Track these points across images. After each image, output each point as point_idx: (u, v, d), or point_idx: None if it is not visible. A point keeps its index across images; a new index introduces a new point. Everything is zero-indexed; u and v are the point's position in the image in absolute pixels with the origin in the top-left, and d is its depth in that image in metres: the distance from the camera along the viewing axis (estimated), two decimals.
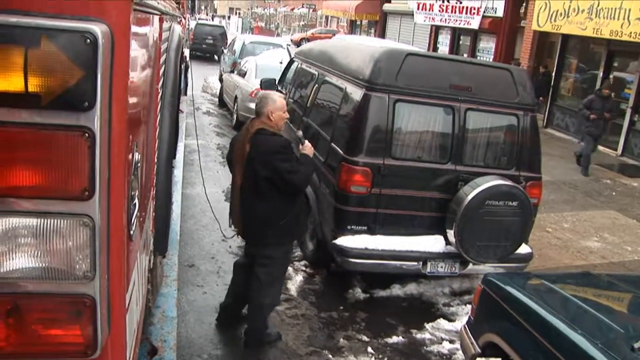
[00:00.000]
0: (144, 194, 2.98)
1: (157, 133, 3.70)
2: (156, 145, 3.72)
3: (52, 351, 2.11)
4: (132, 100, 2.23)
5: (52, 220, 1.96)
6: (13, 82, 1.81)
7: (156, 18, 3.19)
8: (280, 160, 4.70)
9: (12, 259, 1.98)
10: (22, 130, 1.86)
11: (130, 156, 2.28)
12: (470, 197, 5.86)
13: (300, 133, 5.42)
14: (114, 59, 1.91)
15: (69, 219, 1.97)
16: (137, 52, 2.36)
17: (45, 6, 1.85)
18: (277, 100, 4.89)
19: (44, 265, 2.00)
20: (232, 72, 16.25)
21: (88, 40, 1.83)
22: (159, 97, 3.72)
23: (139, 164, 2.52)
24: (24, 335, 2.07)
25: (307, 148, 5.09)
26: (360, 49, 6.97)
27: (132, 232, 2.37)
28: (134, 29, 2.11)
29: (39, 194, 1.93)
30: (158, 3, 3.01)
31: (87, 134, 1.89)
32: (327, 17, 58.54)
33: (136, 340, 2.96)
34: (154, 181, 3.83)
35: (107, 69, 1.89)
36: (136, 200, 2.46)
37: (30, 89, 1.83)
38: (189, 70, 11.93)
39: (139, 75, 2.46)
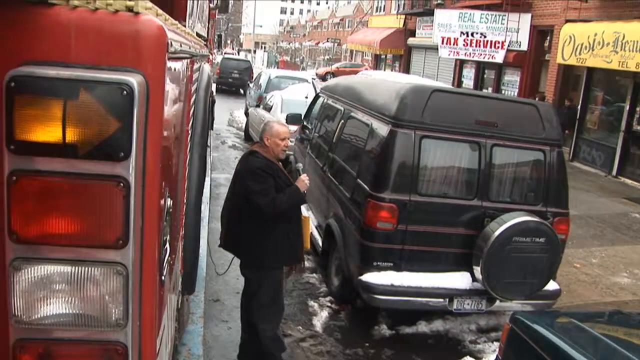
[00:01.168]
0: (174, 236, 3.01)
1: (186, 173, 3.75)
2: (185, 185, 3.77)
3: None
4: (165, 146, 2.27)
5: (86, 268, 2.00)
6: (52, 133, 1.86)
7: (187, 61, 3.25)
8: (251, 180, 4.85)
9: (46, 305, 2.01)
10: (59, 180, 1.91)
11: (162, 202, 2.31)
12: (497, 233, 5.82)
13: (299, 165, 5.42)
14: (149, 108, 1.96)
15: (103, 267, 2.00)
16: (171, 99, 2.40)
17: (83, 57, 1.91)
18: (274, 127, 5.02)
19: (77, 312, 2.03)
20: (257, 106, 16.41)
21: (124, 92, 1.88)
22: (189, 137, 3.77)
23: (170, 209, 2.56)
24: None
25: (300, 181, 5.04)
26: (386, 85, 7.02)
27: (163, 277, 2.40)
28: (168, 76, 2.16)
29: (74, 242, 1.97)
30: (190, 47, 3.07)
31: (122, 184, 1.94)
32: (351, 51, 58.99)
33: None
34: (183, 221, 3.87)
35: (142, 119, 1.93)
36: (167, 245, 2.49)
37: (68, 139, 1.87)
38: (215, 104, 12.06)
39: (171, 121, 2.51)
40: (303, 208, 5.43)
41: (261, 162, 4.92)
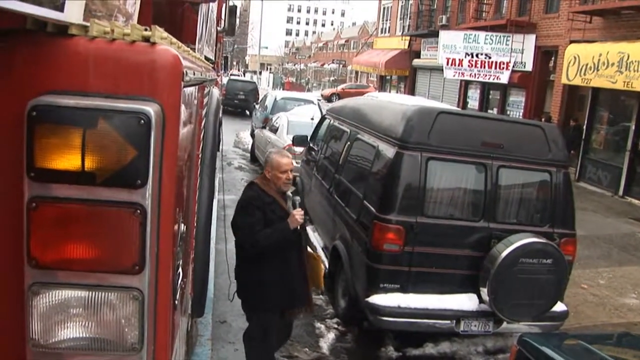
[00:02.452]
0: (185, 260, 3.06)
1: (196, 197, 3.79)
2: (196, 208, 3.81)
3: None
4: (179, 173, 2.31)
5: (103, 293, 2.04)
6: (71, 161, 1.91)
7: (198, 87, 3.31)
8: (238, 213, 4.80)
9: (63, 329, 2.05)
10: (77, 207, 1.96)
11: (176, 228, 2.36)
12: (503, 255, 5.83)
13: (297, 199, 4.93)
14: (165, 136, 2.01)
15: (119, 292, 2.04)
16: (184, 126, 2.46)
17: (101, 86, 1.97)
18: (274, 159, 4.82)
19: (93, 336, 2.07)
20: (264, 127, 16.49)
21: (142, 121, 1.93)
22: (199, 161, 3.82)
23: (183, 234, 2.60)
24: None
25: (292, 217, 4.72)
26: (392, 107, 7.07)
27: (176, 301, 2.43)
28: (183, 104, 2.21)
29: (92, 268, 2.01)
30: (202, 73, 3.13)
31: (138, 210, 1.98)
32: (357, 72, 59.25)
33: None
34: (194, 244, 3.91)
35: (158, 147, 1.98)
36: (180, 269, 2.53)
37: (87, 167, 1.93)
38: (221, 126, 12.14)
39: (185, 147, 2.55)
40: (317, 246, 5.21)
41: (252, 195, 4.80)
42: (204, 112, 3.95)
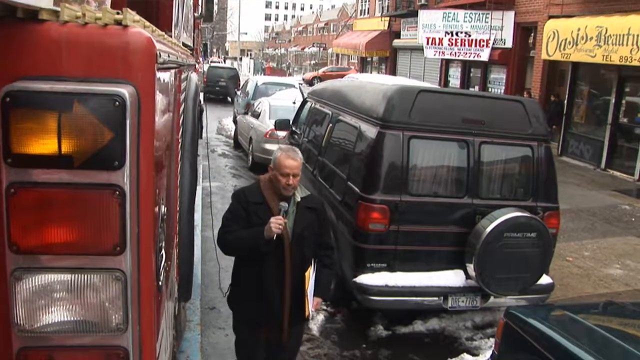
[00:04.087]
0: (169, 243, 3.06)
1: (178, 181, 3.79)
2: (178, 193, 3.81)
3: None
4: (158, 154, 2.31)
5: (85, 276, 2.05)
6: (47, 146, 1.91)
7: (175, 71, 3.29)
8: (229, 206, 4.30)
9: (48, 313, 2.06)
10: (56, 191, 1.97)
11: (157, 209, 2.36)
12: (488, 230, 5.87)
13: (284, 205, 4.08)
14: (141, 118, 2.02)
15: (102, 274, 2.05)
16: (161, 107, 2.45)
17: (75, 70, 1.96)
18: (277, 158, 4.12)
19: (78, 318, 2.08)
20: (246, 113, 16.46)
21: (117, 103, 1.93)
22: (179, 146, 3.81)
23: (164, 216, 2.60)
24: None
25: (269, 224, 3.96)
26: (372, 88, 7.07)
27: (160, 283, 2.44)
28: (158, 86, 2.21)
29: (73, 251, 2.02)
30: (177, 57, 3.11)
31: (117, 192, 1.99)
32: (337, 55, 59.13)
33: None
34: (177, 229, 3.91)
35: (134, 128, 1.99)
36: (163, 251, 2.53)
37: (64, 151, 1.93)
38: (204, 113, 12.11)
39: (162, 129, 2.55)
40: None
41: (243, 189, 4.33)
42: (182, 97, 3.93)
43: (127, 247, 2.03)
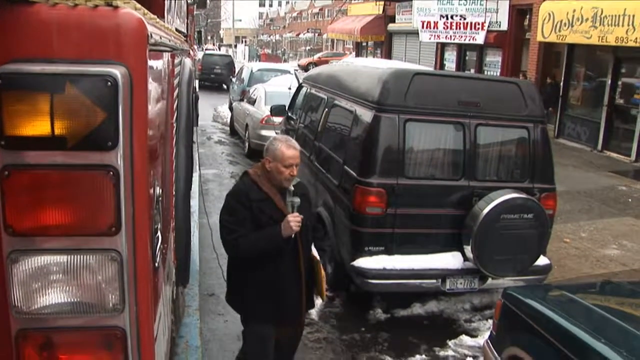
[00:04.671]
0: (165, 227, 3.06)
1: (174, 166, 3.78)
2: (174, 178, 3.80)
3: None
4: (151, 136, 2.31)
5: (81, 257, 2.05)
6: (40, 127, 1.91)
7: (168, 55, 3.28)
8: (223, 208, 4.11)
9: (45, 295, 2.06)
10: (50, 172, 1.96)
11: (152, 191, 2.36)
12: (485, 212, 5.88)
13: (296, 200, 4.04)
14: (133, 99, 2.01)
15: (98, 255, 2.05)
16: (154, 90, 2.45)
17: (66, 52, 1.95)
18: (278, 149, 3.98)
19: (75, 300, 2.09)
20: (241, 100, 16.42)
21: (109, 83, 1.93)
22: (174, 130, 3.80)
23: (160, 198, 2.60)
24: None
25: (286, 223, 3.91)
26: (367, 71, 7.05)
27: (157, 264, 2.45)
28: (150, 68, 2.20)
29: (68, 232, 2.02)
30: (170, 41, 3.10)
31: (111, 172, 1.98)
32: (332, 41, 58.91)
33: None
34: (174, 213, 3.91)
35: (127, 109, 1.98)
36: (159, 233, 2.53)
37: (57, 132, 1.92)
38: (198, 100, 12.10)
39: (156, 112, 2.55)
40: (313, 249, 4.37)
41: (239, 189, 4.12)
42: (176, 82, 3.92)
43: (122, 227, 2.03)
